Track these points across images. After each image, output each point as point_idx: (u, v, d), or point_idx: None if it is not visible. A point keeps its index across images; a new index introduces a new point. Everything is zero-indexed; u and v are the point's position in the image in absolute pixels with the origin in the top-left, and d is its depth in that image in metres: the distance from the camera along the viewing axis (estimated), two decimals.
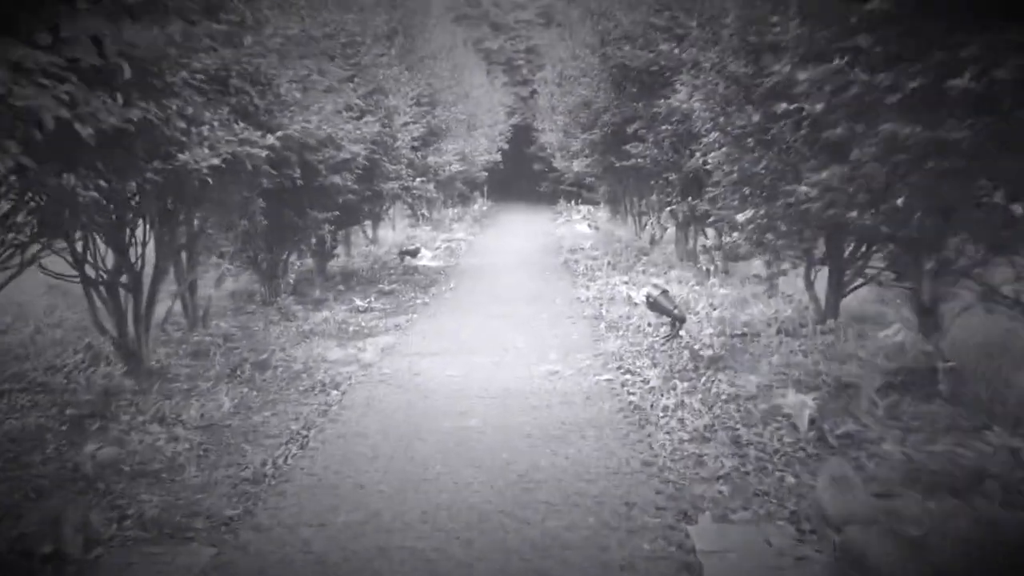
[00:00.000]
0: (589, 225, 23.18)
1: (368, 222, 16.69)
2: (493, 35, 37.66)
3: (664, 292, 8.81)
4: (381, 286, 13.15)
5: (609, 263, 14.89)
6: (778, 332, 8.47)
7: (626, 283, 12.63)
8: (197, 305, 8.98)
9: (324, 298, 11.80)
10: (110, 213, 6.01)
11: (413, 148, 12.78)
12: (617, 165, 13.24)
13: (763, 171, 6.36)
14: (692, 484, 4.74)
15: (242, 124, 5.81)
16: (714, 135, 7.09)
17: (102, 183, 4.60)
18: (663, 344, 8.35)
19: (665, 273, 13.44)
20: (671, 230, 15.59)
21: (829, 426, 5.48)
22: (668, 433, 5.63)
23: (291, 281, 10.88)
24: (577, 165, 18.83)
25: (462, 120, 21.12)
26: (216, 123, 5.36)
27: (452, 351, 8.51)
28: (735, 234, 8.01)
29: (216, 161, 5.12)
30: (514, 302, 11.73)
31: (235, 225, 8.77)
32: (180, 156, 4.95)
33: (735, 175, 6.76)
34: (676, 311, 8.57)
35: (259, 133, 5.96)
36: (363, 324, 10.04)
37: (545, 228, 25.31)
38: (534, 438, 5.61)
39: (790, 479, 4.79)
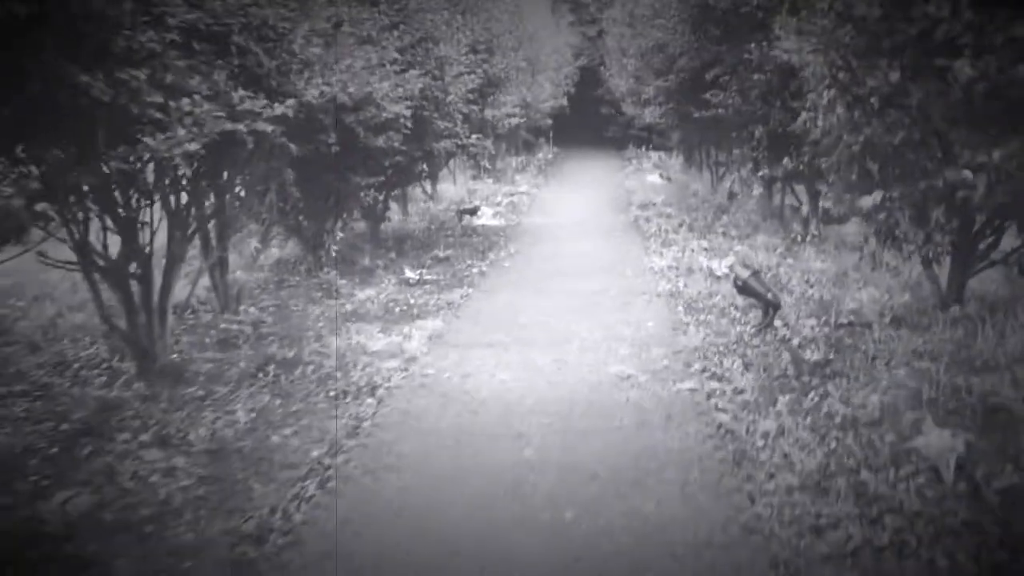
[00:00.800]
0: (661, 175, 21.64)
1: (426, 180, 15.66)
2: None
3: (755, 273, 7.54)
4: (436, 252, 12.13)
5: (685, 223, 13.54)
6: (892, 322, 7.17)
7: (706, 250, 11.32)
8: (229, 284, 8.12)
9: (373, 267, 10.87)
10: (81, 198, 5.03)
11: (469, 101, 11.57)
12: (695, 115, 11.81)
13: (900, 144, 4.97)
14: (812, 567, 3.62)
15: (243, 92, 4.72)
16: (828, 94, 5.66)
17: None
18: (754, 336, 7.13)
19: (748, 237, 12.08)
20: (754, 187, 14.11)
21: (983, 474, 4.26)
22: (772, 476, 4.48)
23: (333, 253, 9.94)
24: (649, 114, 17.27)
25: (524, 67, 19.73)
26: (203, 93, 4.24)
27: (507, 343, 7.43)
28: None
29: (194, 147, 4.03)
30: (578, 274, 10.58)
31: (266, 194, 7.86)
32: (148, 141, 3.90)
33: (857, 146, 5.37)
34: (770, 295, 7.32)
35: (263, 103, 4.85)
36: (412, 302, 9.05)
37: (614, 178, 23.84)
38: (602, 481, 4.52)
39: (941, 560, 3.63)
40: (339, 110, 7.43)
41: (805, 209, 11.16)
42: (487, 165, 21.48)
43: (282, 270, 10.49)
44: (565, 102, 29.63)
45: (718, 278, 9.51)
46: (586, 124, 35.76)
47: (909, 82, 4.71)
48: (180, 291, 6.98)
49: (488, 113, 12.24)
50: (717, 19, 10.17)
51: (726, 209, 14.74)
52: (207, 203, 7.07)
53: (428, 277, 10.46)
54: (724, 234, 12.40)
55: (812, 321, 7.18)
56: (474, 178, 21.66)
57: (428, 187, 18.00)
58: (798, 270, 9.54)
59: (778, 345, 6.73)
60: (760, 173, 12.21)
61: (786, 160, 9.98)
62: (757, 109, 10.12)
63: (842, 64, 5.32)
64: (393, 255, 11.79)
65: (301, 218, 10.20)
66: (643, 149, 28.85)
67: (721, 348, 6.88)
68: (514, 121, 14.31)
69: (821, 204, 10.74)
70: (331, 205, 10.01)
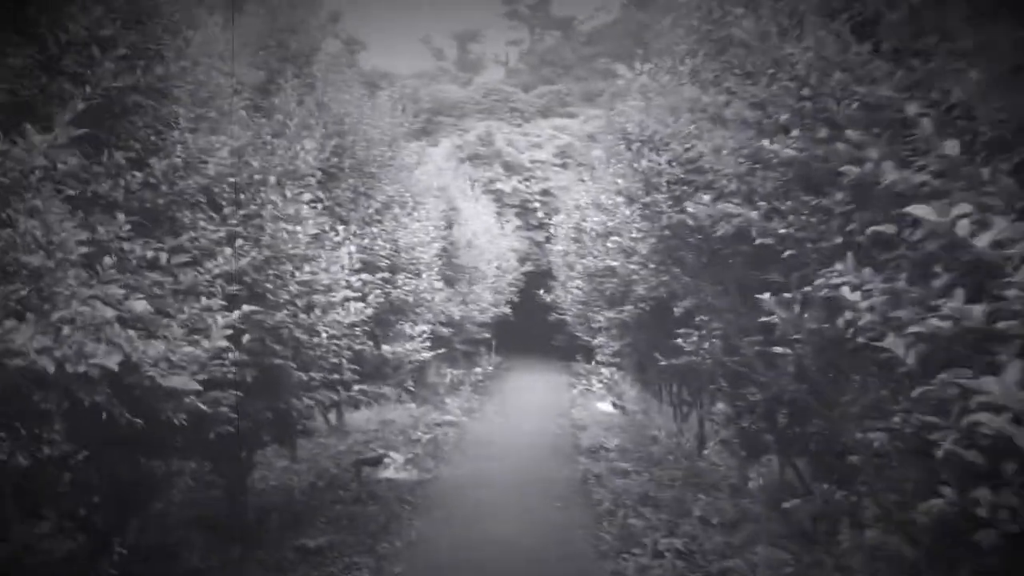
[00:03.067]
0: (613, 404, 18.67)
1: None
2: (506, 176, 34.56)
3: None
4: (306, 540, 8.64)
5: (648, 497, 10.27)
6: None
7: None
8: None
9: None
10: None
11: (367, 331, 8.60)
12: (662, 363, 8.94)
13: None
14: None
15: None
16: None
17: None
18: None
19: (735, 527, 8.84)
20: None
21: None
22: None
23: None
24: (602, 352, 14.49)
25: (456, 279, 17.28)
26: None
27: None
28: None
29: None
30: None
31: None
32: None
33: None
34: None
35: None
36: None
37: (560, 402, 20.74)
38: None
39: None
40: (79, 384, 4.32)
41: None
42: (410, 387, 18.31)
43: None
44: (508, 310, 27.20)
45: None
46: (532, 331, 33.30)
47: None
48: None
49: (391, 349, 9.29)
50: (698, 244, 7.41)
51: (699, 469, 11.62)
52: None
53: None
54: (713, 523, 9.08)
55: None
56: (398, 398, 18.42)
57: (332, 415, 14.74)
58: None
59: None
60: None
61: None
62: (759, 371, 7.25)
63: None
64: (239, 550, 8.24)
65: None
66: (592, 364, 26.12)
67: None
68: (424, 356, 11.29)
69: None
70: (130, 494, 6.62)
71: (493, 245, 25.49)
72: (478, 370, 24.58)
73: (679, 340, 8.23)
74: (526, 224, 34.03)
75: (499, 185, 33.82)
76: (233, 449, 8.09)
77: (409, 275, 9.90)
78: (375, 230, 8.85)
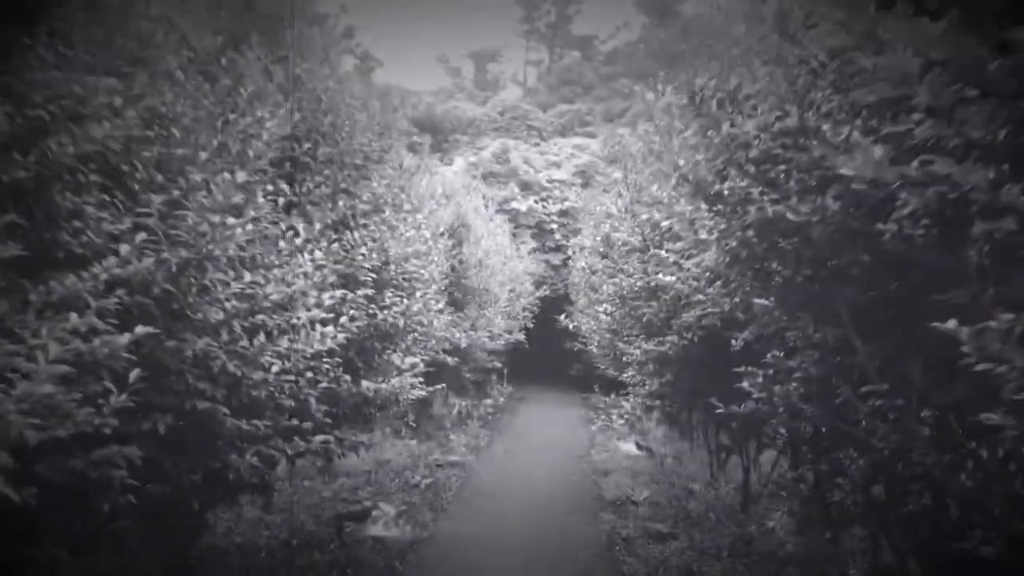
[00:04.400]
0: (638, 445, 16.66)
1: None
2: (522, 195, 32.81)
3: None
4: None
5: (691, 572, 8.29)
6: None
7: None
8: None
9: None
10: None
11: (342, 363, 6.74)
12: (720, 411, 7.02)
13: None
14: None
15: None
16: None
17: None
18: None
19: None
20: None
21: None
22: None
23: None
24: (632, 378, 12.49)
25: (463, 300, 15.47)
26: None
27: None
28: None
29: None
30: None
31: None
32: None
33: None
34: None
35: None
36: None
37: (578, 441, 18.70)
38: None
39: None
40: None
41: None
42: (411, 423, 16.43)
43: None
44: (523, 337, 25.29)
45: None
46: (547, 360, 31.39)
47: None
48: None
49: (372, 385, 7.37)
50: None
51: (748, 530, 9.65)
52: None
53: None
54: None
55: None
56: (397, 434, 16.52)
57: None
58: None
59: None
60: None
61: None
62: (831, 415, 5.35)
63: None
64: None
65: None
66: (612, 396, 24.08)
67: None
68: (417, 394, 9.40)
69: None
70: None
71: (507, 267, 23.66)
72: (488, 401, 22.60)
73: (744, 383, 6.30)
74: (542, 246, 32.19)
75: (515, 205, 32.07)
76: (170, 511, 6.25)
77: (399, 292, 8.02)
78: (357, 235, 7.01)
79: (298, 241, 5.74)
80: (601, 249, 13.92)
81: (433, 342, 11.64)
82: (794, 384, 6.00)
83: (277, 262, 5.42)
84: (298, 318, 5.69)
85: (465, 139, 40.29)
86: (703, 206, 5.23)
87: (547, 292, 29.25)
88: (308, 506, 10.94)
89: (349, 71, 7.79)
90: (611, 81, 47.05)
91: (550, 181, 33.83)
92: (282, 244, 5.55)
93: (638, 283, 9.38)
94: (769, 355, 6.20)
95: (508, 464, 15.55)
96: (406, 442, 16.07)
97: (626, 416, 20.78)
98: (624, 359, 12.11)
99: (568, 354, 30.90)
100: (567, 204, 33.08)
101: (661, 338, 8.80)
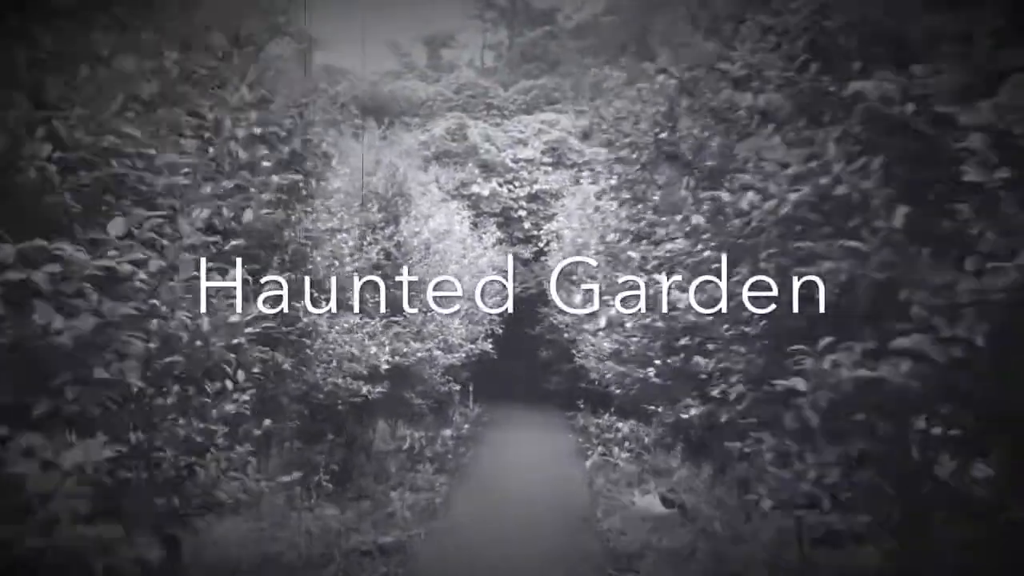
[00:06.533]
0: (665, 501, 11.49)
1: None
2: (483, 177, 27.68)
3: None
4: None
5: None
6: None
7: None
8: None
9: None
10: None
11: None
12: None
13: None
14: None
15: None
16: None
17: None
18: None
19: None
20: None
21: None
22: None
23: None
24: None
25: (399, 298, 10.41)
26: None
27: None
28: None
29: None
30: None
31: None
32: None
33: None
34: None
35: None
36: None
37: (573, 490, 13.47)
38: None
39: None
40: None
41: None
42: (333, 466, 11.17)
43: None
44: (490, 346, 20.14)
45: None
46: (520, 373, 26.33)
47: None
48: None
49: None
50: None
51: None
52: None
53: None
54: None
55: None
56: (310, 500, 11.21)
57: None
58: None
59: None
60: None
61: None
62: None
63: None
64: None
65: None
66: (607, 416, 18.94)
67: None
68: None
69: None
70: None
71: (466, 259, 18.53)
72: (447, 432, 17.31)
73: None
74: (510, 237, 27.08)
75: (475, 188, 26.94)
76: None
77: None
78: None
79: None
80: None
81: (320, 366, 6.50)
82: None
83: None
84: None
85: (416, 121, 35.11)
86: None
87: (518, 291, 24.13)
88: None
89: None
90: (580, 56, 42.14)
91: (515, 161, 28.74)
92: None
93: None
94: None
95: (474, 543, 10.30)
96: (322, 511, 10.78)
97: (629, 448, 15.68)
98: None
99: (546, 365, 25.99)
100: (536, 187, 28.06)
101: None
